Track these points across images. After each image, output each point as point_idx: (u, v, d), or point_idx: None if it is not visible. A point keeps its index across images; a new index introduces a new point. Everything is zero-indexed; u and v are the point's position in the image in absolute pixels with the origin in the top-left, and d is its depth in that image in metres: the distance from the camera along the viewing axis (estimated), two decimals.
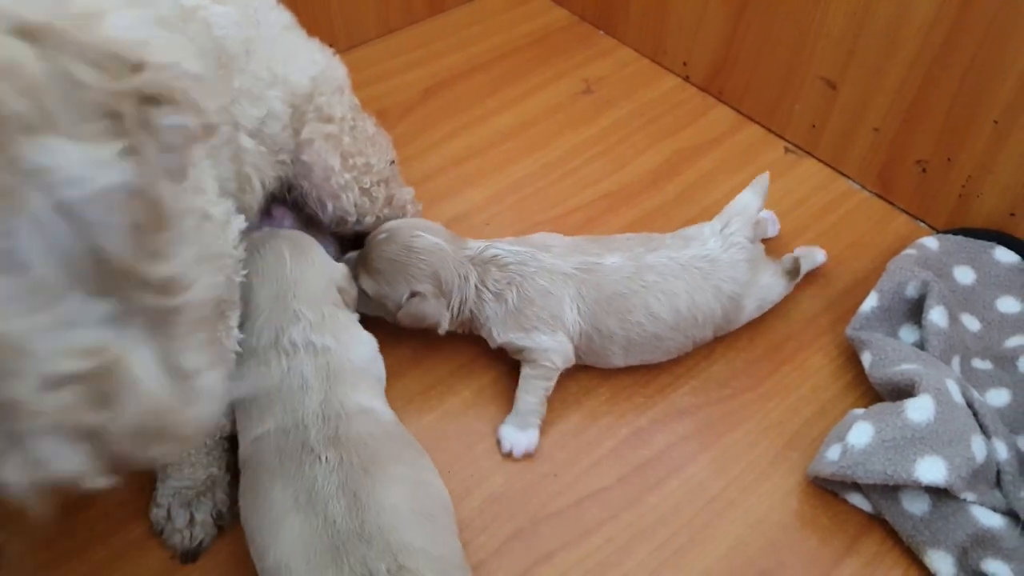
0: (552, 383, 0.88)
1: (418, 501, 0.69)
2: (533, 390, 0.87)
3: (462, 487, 0.84)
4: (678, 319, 0.88)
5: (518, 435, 0.87)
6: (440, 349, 0.96)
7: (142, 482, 0.82)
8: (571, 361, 0.88)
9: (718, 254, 0.90)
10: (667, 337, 0.89)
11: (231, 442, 0.80)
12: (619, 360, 0.90)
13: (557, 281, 0.88)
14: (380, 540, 0.64)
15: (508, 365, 0.93)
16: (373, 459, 0.69)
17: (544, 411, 0.88)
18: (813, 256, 1.03)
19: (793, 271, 0.97)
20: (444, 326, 0.90)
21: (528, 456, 0.87)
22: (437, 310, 0.88)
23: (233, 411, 0.77)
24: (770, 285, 0.94)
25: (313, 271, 0.82)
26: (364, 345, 0.82)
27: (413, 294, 0.87)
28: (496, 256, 0.89)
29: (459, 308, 0.89)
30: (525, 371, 0.88)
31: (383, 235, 0.91)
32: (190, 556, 0.78)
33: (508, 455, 0.87)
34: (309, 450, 0.69)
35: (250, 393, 0.75)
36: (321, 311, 0.79)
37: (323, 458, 0.69)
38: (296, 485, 0.68)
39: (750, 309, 0.93)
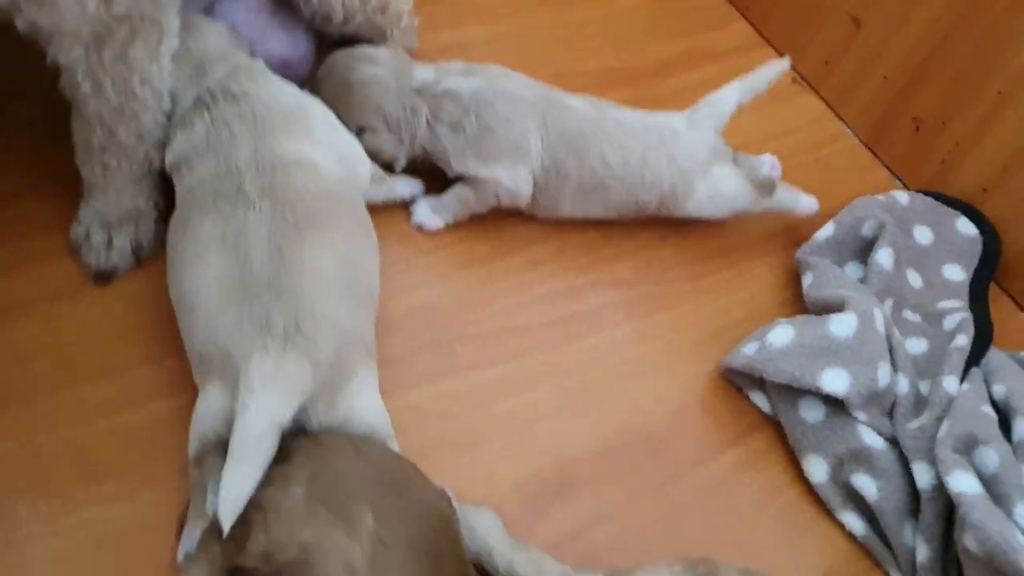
0: (483, 211, 0.89)
1: (344, 275, 0.68)
2: (464, 200, 0.88)
3: (393, 290, 0.84)
4: (626, 172, 0.88)
5: (431, 216, 0.89)
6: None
7: (68, 198, 0.81)
8: (520, 200, 0.88)
9: (681, 130, 0.91)
10: (613, 188, 0.89)
11: (162, 177, 0.79)
12: (567, 205, 0.90)
13: (520, 109, 0.86)
14: (289, 298, 0.63)
15: None
16: (309, 219, 0.68)
17: (461, 218, 0.90)
18: (796, 197, 0.97)
19: (763, 186, 0.97)
20: (401, 161, 0.87)
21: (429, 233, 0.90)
22: (391, 144, 0.86)
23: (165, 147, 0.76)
24: (726, 178, 0.92)
25: (212, 34, 0.80)
26: (286, 90, 0.78)
27: (361, 130, 0.84)
28: (449, 90, 0.86)
29: (411, 143, 0.87)
30: (467, 187, 0.88)
31: (324, 70, 0.88)
32: (102, 277, 0.78)
33: (418, 227, 0.90)
34: (244, 196, 0.68)
35: (177, 158, 0.73)
36: (230, 62, 0.77)
37: (257, 206, 0.67)
38: (227, 225, 0.67)
39: (700, 197, 0.91)
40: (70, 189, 0.80)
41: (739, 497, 0.79)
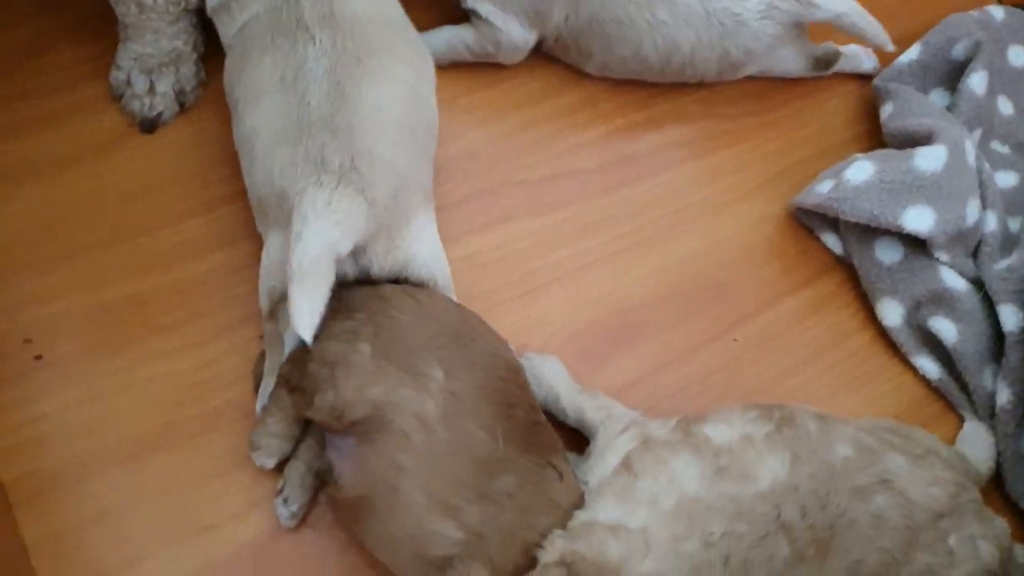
0: (471, 59, 0.82)
1: (404, 111, 0.64)
2: (454, 45, 0.81)
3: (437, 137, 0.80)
4: (666, 68, 0.82)
5: None
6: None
7: (104, 42, 0.77)
8: (516, 59, 0.81)
9: (749, 18, 0.80)
10: (645, 74, 0.83)
11: (200, 17, 0.74)
12: (591, 69, 0.84)
13: None
14: (346, 135, 0.59)
15: None
16: (369, 49, 0.63)
17: (442, 62, 0.80)
18: (859, 61, 0.91)
19: (823, 62, 0.89)
20: None
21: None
22: None
23: None
24: (784, 59, 0.86)
25: None
26: None
27: None
28: None
29: None
30: (466, 30, 0.81)
31: None
32: (148, 125, 0.75)
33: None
34: (304, 28, 0.63)
35: (215, 3, 0.68)
36: None
37: (317, 39, 0.63)
38: (286, 63, 0.62)
39: (749, 71, 0.86)
40: (106, 33, 0.76)
41: (806, 341, 0.77)
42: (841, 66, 0.90)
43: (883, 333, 0.77)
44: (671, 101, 0.87)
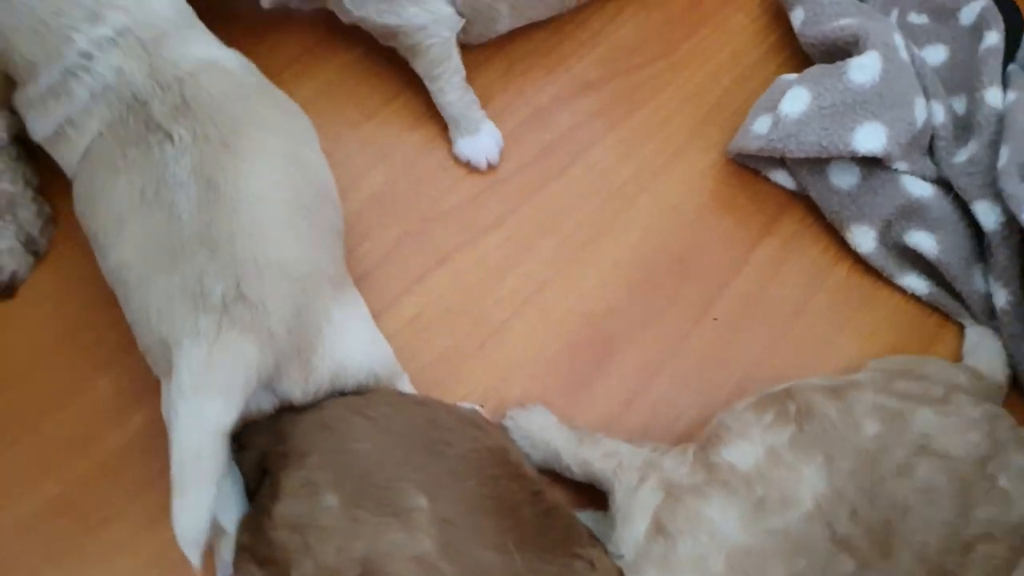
0: (455, 59, 0.70)
1: (290, 188, 0.55)
2: (447, 84, 0.70)
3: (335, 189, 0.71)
4: None
5: (476, 141, 0.72)
6: (286, 27, 0.76)
7: None
8: (459, 23, 0.70)
9: None
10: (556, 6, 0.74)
11: (24, 145, 0.62)
12: (505, 22, 0.74)
13: None
14: (227, 250, 0.50)
15: (370, 42, 0.74)
16: (234, 129, 0.54)
17: (474, 95, 0.72)
18: None
19: None
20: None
21: (500, 152, 0.73)
22: None
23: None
24: None
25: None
26: None
27: None
28: None
29: None
30: (420, 69, 0.71)
31: None
32: (4, 290, 0.64)
33: (490, 168, 0.73)
34: (156, 127, 0.53)
35: (56, 126, 0.56)
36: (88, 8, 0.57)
37: (175, 135, 0.53)
38: (144, 176, 0.53)
39: None
40: None
41: (786, 293, 0.72)
42: None
43: (860, 261, 0.73)
44: (568, 72, 0.79)
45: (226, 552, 0.53)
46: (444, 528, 0.49)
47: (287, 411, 0.53)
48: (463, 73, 0.71)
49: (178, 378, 0.47)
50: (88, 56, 0.55)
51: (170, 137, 0.53)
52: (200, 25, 0.60)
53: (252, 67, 0.61)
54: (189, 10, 0.60)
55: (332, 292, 0.55)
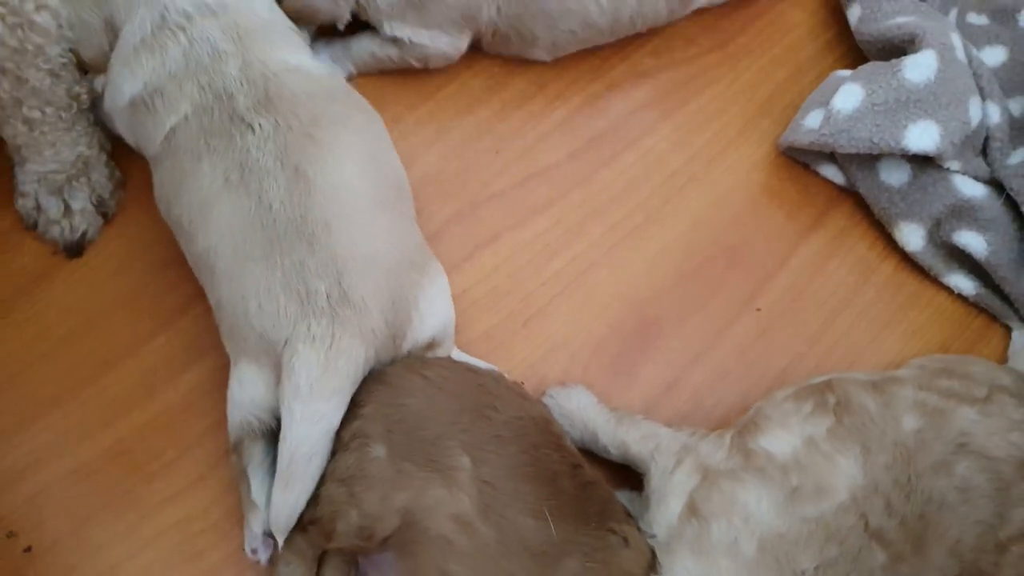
0: (396, 67, 0.74)
1: (373, 184, 0.57)
2: (379, 58, 0.73)
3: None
4: (616, 26, 0.74)
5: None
6: None
7: None
8: (447, 62, 0.74)
9: None
10: (596, 39, 0.76)
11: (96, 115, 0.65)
12: (540, 55, 0.76)
13: None
14: (325, 245, 0.52)
15: None
16: (315, 121, 0.56)
17: (368, 71, 0.74)
18: None
19: None
20: (344, 17, 0.71)
21: None
22: (329, 3, 0.69)
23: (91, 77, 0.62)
24: None
25: None
26: None
27: None
28: None
29: None
30: (390, 45, 0.73)
31: None
32: (74, 249, 0.67)
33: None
34: (239, 119, 0.56)
35: (147, 89, 0.59)
36: None
37: (256, 126, 0.55)
38: (227, 161, 0.55)
39: (699, 2, 0.79)
40: None
41: (832, 288, 0.72)
42: None
43: (907, 259, 0.72)
44: (624, 61, 0.80)
45: (256, 525, 0.56)
46: (484, 490, 0.50)
47: None
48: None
49: (294, 381, 0.50)
50: (187, 16, 0.58)
51: (251, 127, 0.55)
52: (294, 34, 0.63)
53: (339, 74, 0.64)
54: (285, 19, 0.63)
55: (418, 278, 0.58)
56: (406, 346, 0.56)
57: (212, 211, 0.54)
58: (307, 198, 0.53)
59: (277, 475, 0.50)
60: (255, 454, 0.55)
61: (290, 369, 0.50)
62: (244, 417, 0.54)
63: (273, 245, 0.52)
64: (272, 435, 0.53)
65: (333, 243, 0.52)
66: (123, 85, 0.59)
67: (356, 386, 0.52)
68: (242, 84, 0.57)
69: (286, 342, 0.51)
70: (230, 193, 0.54)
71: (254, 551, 0.56)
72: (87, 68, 0.63)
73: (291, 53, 0.60)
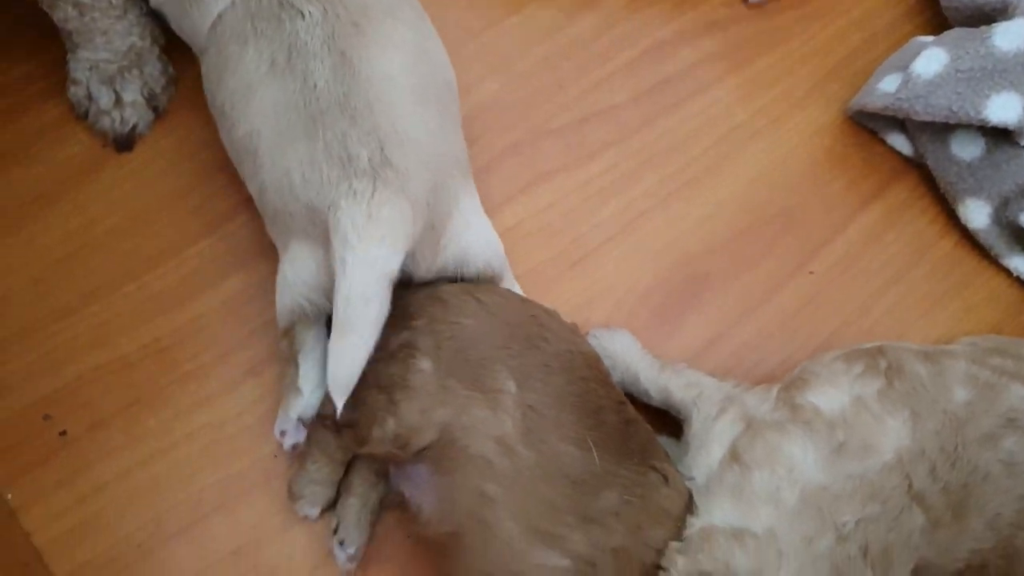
0: None
1: (419, 76, 0.56)
2: None
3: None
4: None
5: None
6: None
7: (51, 54, 0.67)
8: None
9: None
10: None
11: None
12: None
13: None
14: (367, 119, 0.51)
15: None
16: (364, 11, 0.55)
17: None
18: None
19: None
20: None
21: None
22: None
23: None
24: None
25: None
26: None
27: None
28: None
29: None
30: None
31: None
32: (124, 142, 0.66)
33: None
34: (289, 5, 0.54)
35: None
36: None
37: (305, 12, 0.54)
38: (274, 45, 0.54)
39: None
40: (49, 44, 0.66)
41: (887, 259, 0.70)
42: None
43: (967, 237, 0.70)
44: (696, 8, 0.77)
45: (293, 409, 0.55)
46: (528, 414, 0.49)
47: (404, 287, 0.54)
48: None
49: (340, 233, 0.49)
50: None
51: (301, 13, 0.54)
52: None
53: None
54: None
55: (460, 180, 0.57)
56: (444, 243, 0.54)
57: (255, 94, 0.54)
58: (351, 80, 0.52)
59: (334, 326, 0.47)
60: (307, 340, 0.54)
61: (336, 224, 0.49)
62: (295, 300, 0.53)
63: (316, 121, 0.51)
64: (325, 322, 0.52)
65: (376, 118, 0.51)
66: None
67: (407, 241, 0.50)
68: None
69: (330, 206, 0.49)
70: (275, 76, 0.53)
71: (283, 433, 0.55)
72: None
73: None
